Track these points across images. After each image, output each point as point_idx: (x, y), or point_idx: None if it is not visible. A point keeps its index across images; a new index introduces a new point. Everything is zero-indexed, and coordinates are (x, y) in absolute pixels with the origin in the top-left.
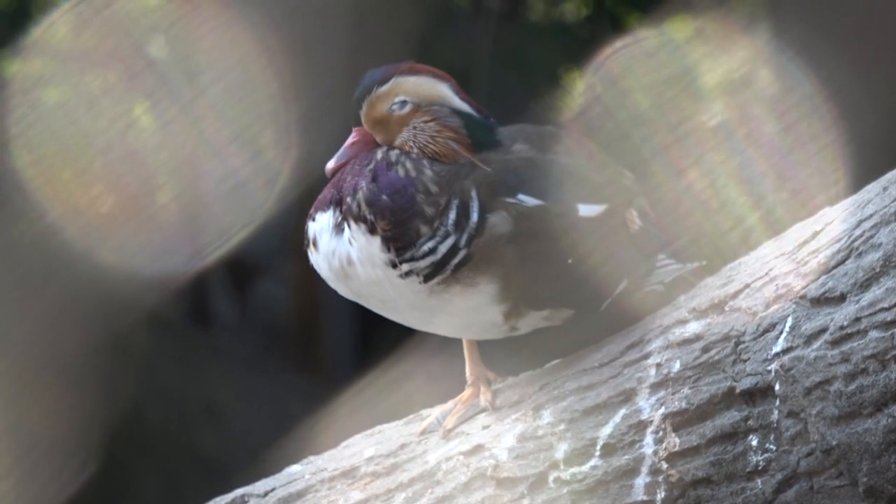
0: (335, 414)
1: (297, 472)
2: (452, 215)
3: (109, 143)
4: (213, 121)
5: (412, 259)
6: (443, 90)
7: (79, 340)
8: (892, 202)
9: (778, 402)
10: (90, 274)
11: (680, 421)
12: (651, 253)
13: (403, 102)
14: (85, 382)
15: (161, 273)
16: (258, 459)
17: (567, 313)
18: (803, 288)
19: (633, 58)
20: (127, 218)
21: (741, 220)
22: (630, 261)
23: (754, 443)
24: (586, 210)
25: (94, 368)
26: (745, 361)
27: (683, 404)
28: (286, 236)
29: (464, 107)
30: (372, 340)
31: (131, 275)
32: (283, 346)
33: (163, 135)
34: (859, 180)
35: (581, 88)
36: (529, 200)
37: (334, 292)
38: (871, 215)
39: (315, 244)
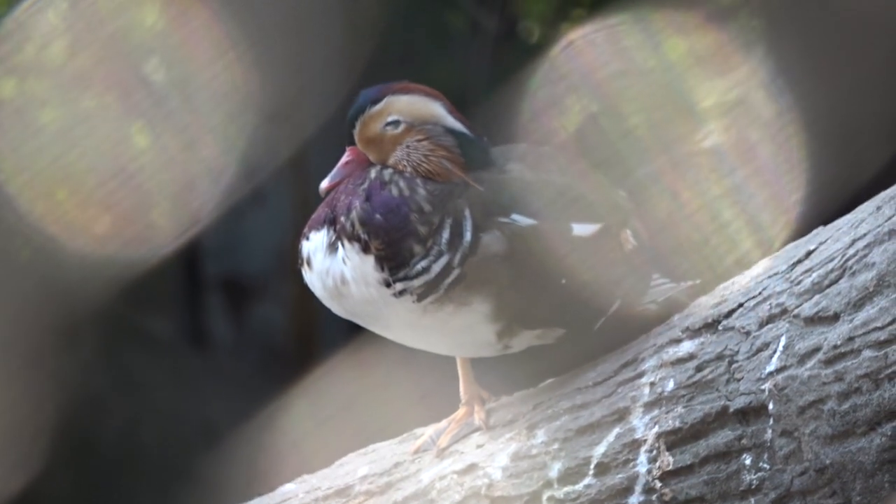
0: (329, 433)
1: (291, 491)
2: (446, 234)
3: (101, 158)
4: (204, 137)
5: (406, 278)
6: (436, 109)
7: (62, 338)
8: (886, 221)
9: (772, 421)
10: (74, 272)
11: (674, 440)
12: (645, 272)
13: (397, 122)
14: (68, 383)
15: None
16: (252, 478)
17: (560, 332)
18: (797, 307)
19: (626, 75)
20: (117, 230)
21: (735, 239)
22: (624, 280)
23: (748, 462)
24: (580, 229)
25: (77, 369)
26: (738, 380)
27: (677, 423)
28: (282, 256)
29: (457, 126)
30: (367, 359)
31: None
32: (278, 366)
33: (155, 149)
34: (853, 199)
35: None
36: (523, 220)
37: (330, 312)
38: (865, 234)
39: (309, 263)
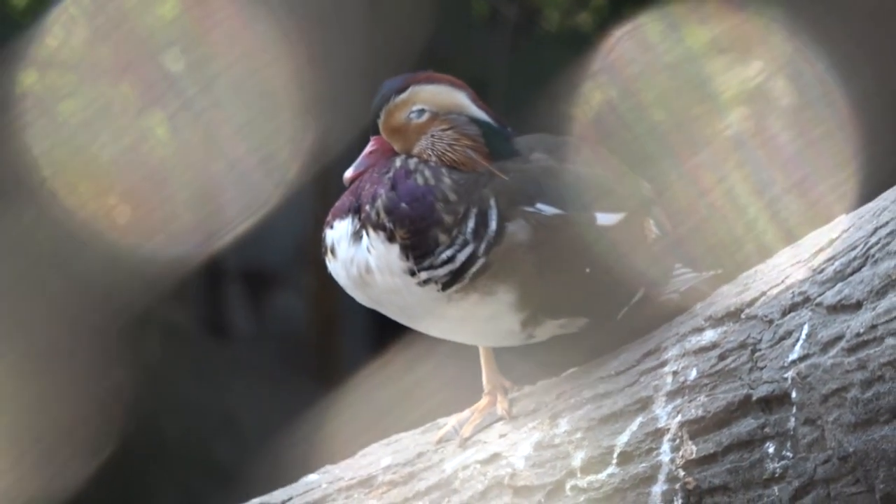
0: (352, 423)
1: (315, 482)
2: (471, 224)
3: (122, 149)
4: (225, 127)
5: (430, 267)
6: (460, 99)
7: (87, 331)
8: None
9: (794, 410)
10: (102, 274)
11: (697, 429)
12: (667, 262)
13: (421, 111)
14: (92, 375)
15: (171, 259)
16: (275, 469)
17: (583, 321)
18: (819, 295)
19: (643, 63)
20: (140, 221)
21: (757, 227)
22: (647, 269)
23: (771, 450)
24: (604, 219)
25: (101, 361)
26: (761, 369)
27: (700, 412)
28: (303, 246)
29: (481, 115)
30: (389, 349)
31: (143, 274)
32: (300, 357)
33: (176, 140)
34: (875, 188)
35: (592, 93)
36: (548, 209)
37: (351, 302)
38: (887, 222)
39: (333, 252)
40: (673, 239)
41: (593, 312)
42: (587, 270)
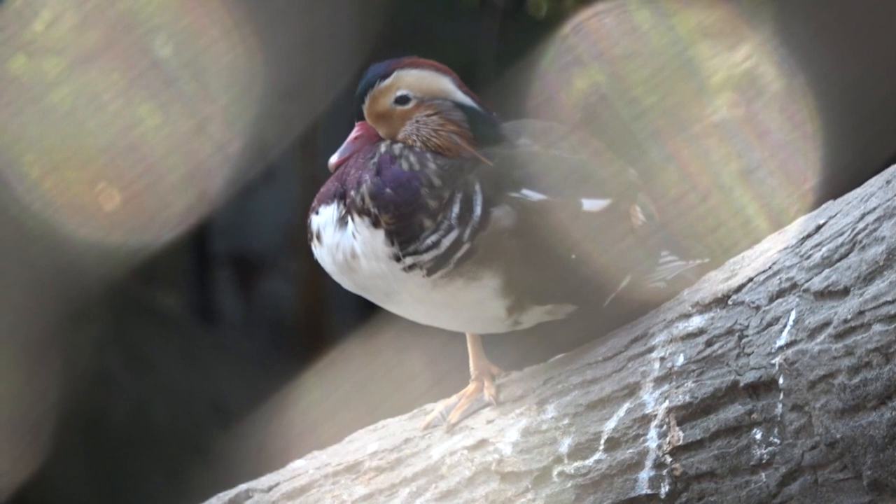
0: (339, 408)
1: (301, 467)
2: (456, 209)
3: (109, 136)
4: (213, 114)
5: (415, 252)
6: (445, 84)
7: (74, 316)
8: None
9: (782, 396)
10: (85, 251)
11: (684, 415)
12: (654, 249)
13: (406, 97)
14: (79, 360)
15: (158, 244)
16: (262, 454)
17: (570, 308)
18: (807, 281)
19: (629, 45)
20: (126, 208)
21: (744, 213)
22: (633, 256)
23: (758, 436)
24: (590, 205)
25: (88, 346)
26: (748, 355)
27: (687, 398)
28: (291, 232)
29: (466, 101)
30: (377, 335)
31: (130, 261)
32: (288, 342)
33: (164, 127)
34: (863, 173)
35: (581, 80)
36: (533, 195)
37: (339, 288)
38: (875, 208)
39: (319, 238)
40: (659, 226)
41: (580, 299)
42: (573, 256)
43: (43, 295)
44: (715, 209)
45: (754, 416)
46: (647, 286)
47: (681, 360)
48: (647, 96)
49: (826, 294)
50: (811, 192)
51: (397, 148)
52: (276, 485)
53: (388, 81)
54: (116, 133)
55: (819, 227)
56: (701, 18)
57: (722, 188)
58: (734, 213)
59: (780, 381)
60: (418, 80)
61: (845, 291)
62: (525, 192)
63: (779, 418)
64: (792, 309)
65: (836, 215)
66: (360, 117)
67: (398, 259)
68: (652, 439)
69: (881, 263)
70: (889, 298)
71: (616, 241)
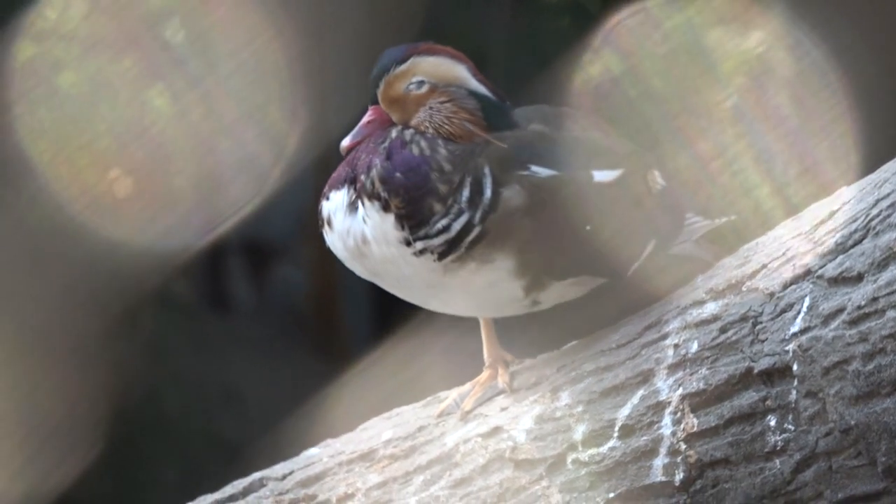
0: (353, 397)
1: (315, 455)
2: (466, 193)
3: (122, 123)
4: (226, 100)
5: (426, 237)
6: (460, 72)
7: (89, 319)
8: None
9: (796, 383)
10: (100, 252)
11: (698, 402)
12: (677, 211)
13: (421, 82)
14: (95, 362)
15: (172, 248)
16: (277, 443)
17: (593, 281)
18: (820, 268)
19: (643, 31)
20: (138, 196)
21: (758, 199)
22: (656, 220)
23: (772, 423)
24: (601, 176)
25: (104, 348)
26: (762, 342)
27: (701, 385)
28: (302, 219)
29: (481, 89)
30: (390, 323)
31: (142, 251)
32: (300, 330)
33: (176, 114)
34: (876, 159)
35: (592, 64)
36: (542, 171)
37: (353, 275)
38: (888, 194)
39: (330, 223)
40: (682, 188)
41: (602, 270)
42: (588, 228)
43: (52, 282)
44: (729, 194)
45: (768, 402)
46: (674, 249)
47: (695, 346)
48: (661, 82)
49: (840, 280)
50: (825, 176)
51: (408, 133)
52: (291, 473)
53: (404, 67)
54: (130, 123)
55: (833, 214)
56: (716, 4)
57: (735, 173)
58: (748, 198)
59: (795, 367)
60: (434, 66)
61: (859, 277)
62: (534, 168)
63: (793, 405)
64: (806, 295)
65: (849, 201)
66: (374, 101)
67: (409, 243)
68: (666, 426)
69: (895, 249)
70: None
71: (634, 207)
